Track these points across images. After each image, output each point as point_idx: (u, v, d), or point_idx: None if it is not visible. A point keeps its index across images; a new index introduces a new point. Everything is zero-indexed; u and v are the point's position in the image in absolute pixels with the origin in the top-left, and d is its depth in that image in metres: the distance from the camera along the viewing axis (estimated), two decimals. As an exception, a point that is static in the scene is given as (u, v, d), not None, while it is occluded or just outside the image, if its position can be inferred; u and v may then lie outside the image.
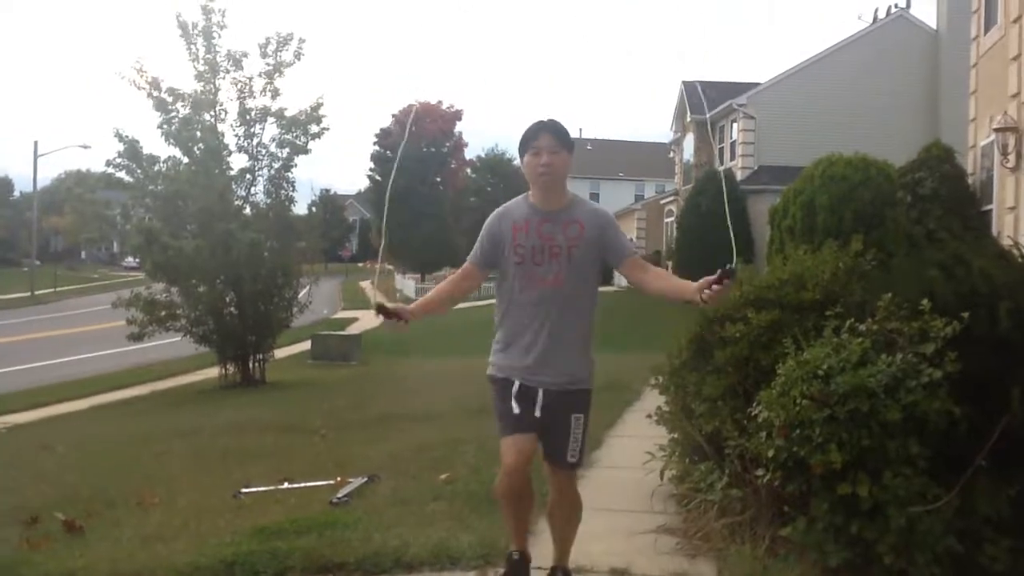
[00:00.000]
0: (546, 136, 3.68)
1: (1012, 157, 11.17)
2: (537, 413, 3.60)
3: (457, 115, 55.77)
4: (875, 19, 29.87)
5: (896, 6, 29.25)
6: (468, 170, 58.59)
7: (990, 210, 13.15)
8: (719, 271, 3.19)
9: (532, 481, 3.67)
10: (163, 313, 15.69)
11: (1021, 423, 3.62)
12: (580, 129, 67.60)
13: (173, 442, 9.37)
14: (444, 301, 3.87)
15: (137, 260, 22.50)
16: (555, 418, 3.64)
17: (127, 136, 15.83)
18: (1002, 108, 11.53)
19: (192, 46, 16.09)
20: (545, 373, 3.63)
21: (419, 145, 52.42)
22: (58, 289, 50.53)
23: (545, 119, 3.79)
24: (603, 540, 4.46)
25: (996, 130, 11.51)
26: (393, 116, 54.08)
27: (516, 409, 3.62)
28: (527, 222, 3.71)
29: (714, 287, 3.24)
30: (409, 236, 49.25)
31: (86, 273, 67.67)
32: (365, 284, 52.82)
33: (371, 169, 53.66)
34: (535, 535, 4.21)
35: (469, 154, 61.01)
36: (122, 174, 16.21)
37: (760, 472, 4.00)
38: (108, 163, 16.10)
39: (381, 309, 3.52)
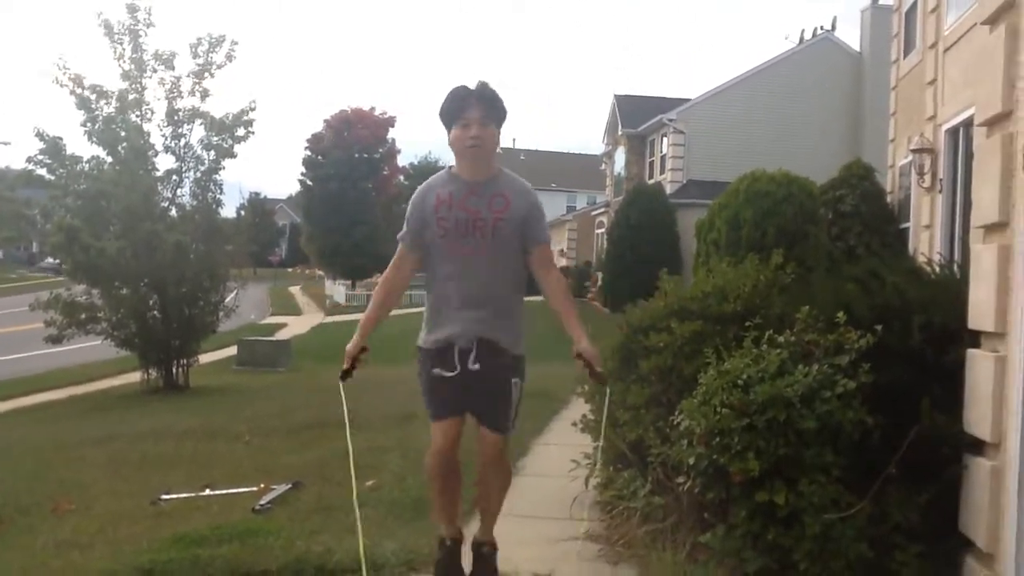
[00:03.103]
0: (476, 107, 3.51)
1: (928, 177, 11.52)
2: (473, 366, 3.55)
3: (390, 122, 55.25)
4: (801, 40, 30.62)
5: (821, 28, 30.13)
6: (400, 177, 58.01)
7: (908, 228, 13.55)
8: (600, 372, 3.72)
9: (460, 462, 3.73)
10: (83, 315, 15.29)
11: (931, 433, 3.75)
12: (513, 139, 68.00)
13: (91, 448, 9.14)
14: (388, 299, 3.82)
15: (57, 260, 21.86)
16: (491, 382, 3.59)
17: (48, 135, 15.40)
18: (919, 130, 11.89)
19: (117, 45, 15.68)
20: (473, 331, 3.57)
21: (351, 151, 51.93)
22: (-28, 290, 48.86)
23: (474, 85, 3.59)
24: (527, 547, 4.49)
25: (913, 151, 11.85)
26: (325, 121, 53.48)
27: (444, 383, 3.58)
28: (451, 195, 3.59)
29: (589, 369, 3.68)
30: (339, 242, 48.76)
31: (3, 273, 65.54)
32: (295, 290, 52.26)
33: (302, 174, 52.93)
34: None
35: (402, 161, 60.59)
36: (43, 172, 15.77)
37: (681, 479, 4.08)
38: (29, 159, 15.63)
39: (345, 375, 3.71)
